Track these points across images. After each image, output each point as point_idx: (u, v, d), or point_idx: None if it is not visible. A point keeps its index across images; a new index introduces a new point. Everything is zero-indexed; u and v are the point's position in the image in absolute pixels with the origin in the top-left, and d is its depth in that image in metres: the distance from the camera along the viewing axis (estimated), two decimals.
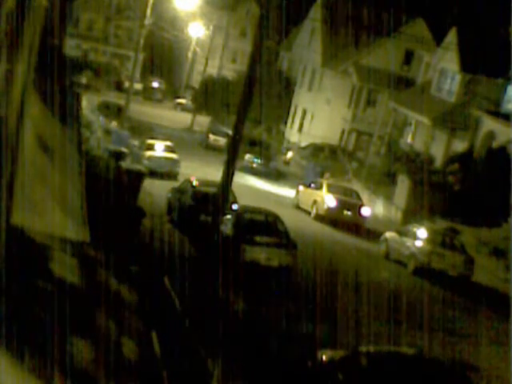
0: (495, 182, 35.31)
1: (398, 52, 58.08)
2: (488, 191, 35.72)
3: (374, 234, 33.92)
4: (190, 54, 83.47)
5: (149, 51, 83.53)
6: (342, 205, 35.53)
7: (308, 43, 66.12)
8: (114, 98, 63.62)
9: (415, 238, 29.21)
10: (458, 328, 22.38)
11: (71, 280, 13.65)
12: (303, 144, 59.23)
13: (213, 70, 78.45)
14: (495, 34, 44.78)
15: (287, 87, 67.08)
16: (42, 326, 10.86)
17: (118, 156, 33.34)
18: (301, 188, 38.67)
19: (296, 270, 23.99)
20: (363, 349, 14.73)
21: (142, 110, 64.26)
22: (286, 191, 43.06)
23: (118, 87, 78.97)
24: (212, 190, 25.81)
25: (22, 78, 10.09)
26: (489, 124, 41.21)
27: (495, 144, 39.78)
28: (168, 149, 41.30)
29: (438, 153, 44.36)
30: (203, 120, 66.00)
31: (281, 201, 39.43)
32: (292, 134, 64.71)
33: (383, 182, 43.60)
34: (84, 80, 72.78)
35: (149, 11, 48.04)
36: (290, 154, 56.51)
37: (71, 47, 73.18)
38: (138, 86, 79.27)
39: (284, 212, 30.23)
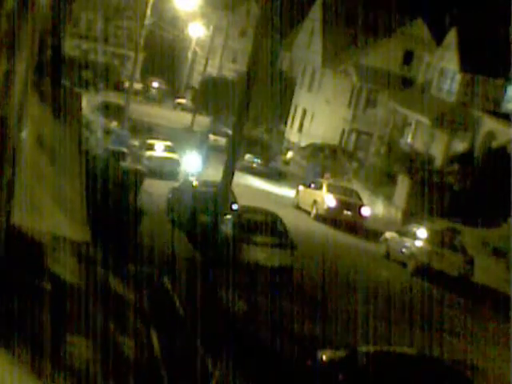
0: (495, 182, 35.31)
1: (398, 52, 58.06)
2: (488, 191, 35.72)
3: (373, 234, 33.91)
4: (189, 54, 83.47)
5: (149, 51, 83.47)
6: (342, 205, 35.50)
7: (308, 43, 66.09)
8: (113, 97, 63.50)
9: (415, 238, 29.21)
10: (458, 328, 22.38)
11: (71, 280, 13.65)
12: (303, 144, 59.19)
13: (213, 70, 78.39)
14: (495, 34, 44.75)
15: (287, 87, 67.02)
16: (42, 325, 10.86)
17: (118, 156, 33.42)
18: (301, 188, 38.63)
19: (296, 270, 23.98)
20: (363, 349, 14.73)
21: (142, 110, 64.18)
22: (286, 191, 43.03)
23: (118, 87, 78.86)
24: (212, 190, 25.79)
25: (22, 78, 10.09)
26: (489, 124, 41.22)
27: (495, 144, 39.80)
28: (168, 149, 41.30)
29: (438, 153, 44.35)
30: (203, 120, 65.96)
31: (281, 201, 39.39)
32: (292, 134, 64.68)
33: (383, 182, 43.56)
34: (84, 80, 72.67)
35: (149, 11, 48.02)
36: (290, 154, 56.46)
37: (71, 47, 73.10)
38: (138, 86, 79.16)
39: (284, 212, 30.21)
